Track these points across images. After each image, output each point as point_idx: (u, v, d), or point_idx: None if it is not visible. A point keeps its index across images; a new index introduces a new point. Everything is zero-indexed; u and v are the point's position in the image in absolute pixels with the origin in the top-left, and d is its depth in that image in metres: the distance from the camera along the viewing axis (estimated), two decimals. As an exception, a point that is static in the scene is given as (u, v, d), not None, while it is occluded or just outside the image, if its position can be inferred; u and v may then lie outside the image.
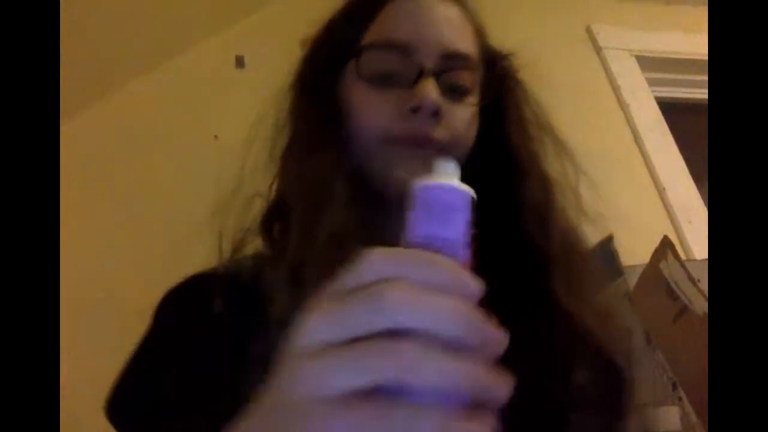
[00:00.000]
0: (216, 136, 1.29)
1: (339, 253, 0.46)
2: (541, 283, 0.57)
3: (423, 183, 0.38)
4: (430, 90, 0.55)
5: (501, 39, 1.69)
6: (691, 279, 0.73)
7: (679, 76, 1.87)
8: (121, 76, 1.29)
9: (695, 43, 1.82)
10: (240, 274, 0.56)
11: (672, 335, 0.74)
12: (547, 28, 1.76)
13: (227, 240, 0.62)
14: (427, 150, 0.54)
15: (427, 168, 0.39)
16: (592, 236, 0.70)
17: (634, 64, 1.77)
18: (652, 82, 1.77)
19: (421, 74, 0.56)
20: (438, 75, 0.57)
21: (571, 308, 0.55)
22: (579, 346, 0.54)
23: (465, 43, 0.61)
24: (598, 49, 1.77)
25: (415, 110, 0.55)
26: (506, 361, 0.32)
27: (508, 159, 0.63)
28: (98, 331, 1.05)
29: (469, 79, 0.61)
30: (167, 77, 1.35)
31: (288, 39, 1.48)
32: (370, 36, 0.60)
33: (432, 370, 0.28)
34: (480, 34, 0.67)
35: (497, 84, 0.65)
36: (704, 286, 0.72)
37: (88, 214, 1.16)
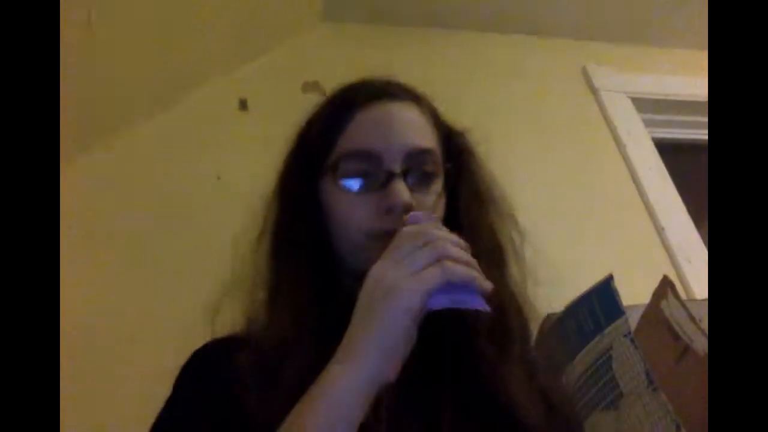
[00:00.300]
0: (219, 177, 1.31)
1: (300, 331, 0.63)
2: (474, 348, 0.67)
3: (409, 215, 0.63)
4: (400, 191, 0.65)
5: (500, 82, 1.73)
6: (692, 318, 0.73)
7: (674, 117, 1.89)
8: (125, 120, 1.31)
9: (689, 85, 1.85)
10: (253, 342, 0.65)
11: (675, 376, 0.73)
12: (544, 70, 1.80)
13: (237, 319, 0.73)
14: None
15: None
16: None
17: (629, 105, 1.79)
18: (647, 123, 1.79)
19: (390, 177, 0.66)
20: (405, 174, 0.67)
21: (502, 374, 0.65)
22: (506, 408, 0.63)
23: (425, 139, 0.71)
24: (593, 91, 1.80)
25: (389, 210, 0.65)
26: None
27: (459, 225, 0.70)
28: (100, 377, 1.04)
29: (432, 166, 0.71)
30: (172, 119, 1.37)
31: (290, 83, 1.53)
32: (343, 146, 0.70)
33: (456, 250, 0.56)
34: (437, 121, 0.77)
35: (454, 159, 0.75)
36: (705, 325, 0.71)
37: (89, 257, 1.16)
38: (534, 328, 0.76)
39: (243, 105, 1.45)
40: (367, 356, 0.53)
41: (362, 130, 0.70)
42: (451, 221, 0.70)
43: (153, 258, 1.19)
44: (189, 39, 1.33)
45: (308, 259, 0.70)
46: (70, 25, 1.06)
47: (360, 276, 0.63)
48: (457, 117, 1.60)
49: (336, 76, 1.56)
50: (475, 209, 0.74)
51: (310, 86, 1.53)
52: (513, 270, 0.74)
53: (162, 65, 1.31)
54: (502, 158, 1.54)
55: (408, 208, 0.65)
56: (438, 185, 0.71)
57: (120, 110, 1.29)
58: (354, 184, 0.68)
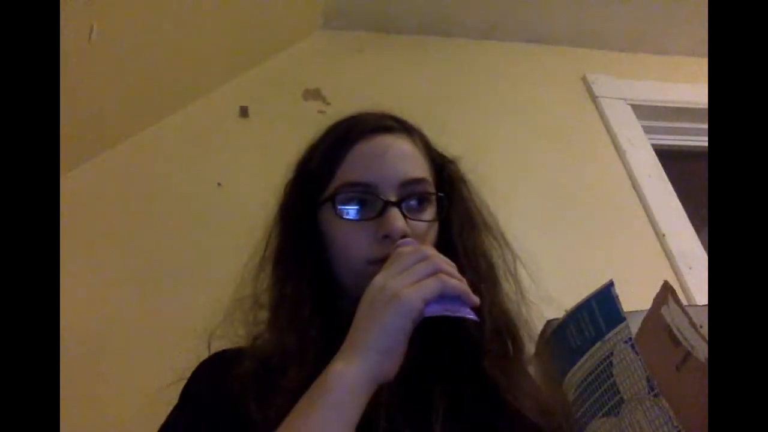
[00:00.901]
0: (219, 184, 1.31)
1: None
2: (476, 363, 0.71)
3: (399, 240, 0.69)
4: (396, 219, 0.70)
5: (499, 90, 1.74)
6: (692, 325, 0.73)
7: (674, 124, 1.90)
8: (126, 127, 1.31)
9: (689, 92, 1.86)
10: (257, 353, 0.69)
11: (676, 382, 0.73)
12: (544, 78, 1.81)
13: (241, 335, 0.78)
14: None
15: None
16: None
17: (629, 112, 1.80)
18: (647, 130, 1.80)
19: (386, 206, 0.71)
20: (400, 203, 0.72)
21: (504, 387, 0.69)
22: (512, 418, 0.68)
23: (418, 169, 0.76)
24: (593, 98, 1.80)
25: (386, 237, 0.70)
26: None
27: (453, 249, 0.76)
28: (99, 380, 1.04)
29: (425, 194, 0.75)
30: (173, 127, 1.37)
31: (290, 90, 1.53)
32: (341, 178, 0.74)
33: (448, 267, 0.63)
34: (429, 151, 0.83)
35: (447, 187, 0.81)
36: (706, 331, 0.71)
37: (89, 263, 1.16)
38: (531, 342, 0.78)
39: (244, 112, 1.45)
40: (368, 355, 0.58)
41: (359, 163, 0.74)
42: (446, 245, 0.75)
43: (153, 264, 1.19)
44: (190, 47, 1.33)
45: (309, 281, 0.74)
46: (72, 34, 1.07)
47: (358, 299, 0.68)
48: (456, 125, 1.62)
49: (336, 84, 1.58)
50: (468, 233, 0.79)
51: (311, 94, 1.54)
52: (506, 288, 0.79)
53: (163, 73, 1.32)
54: (502, 166, 1.55)
55: (404, 235, 0.69)
56: (431, 212, 0.76)
57: (121, 118, 1.29)
58: (352, 213, 0.73)
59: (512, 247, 0.82)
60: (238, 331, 0.78)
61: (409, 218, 0.72)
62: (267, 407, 0.60)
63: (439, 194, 0.77)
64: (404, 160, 0.76)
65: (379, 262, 0.67)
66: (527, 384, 0.74)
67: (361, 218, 0.72)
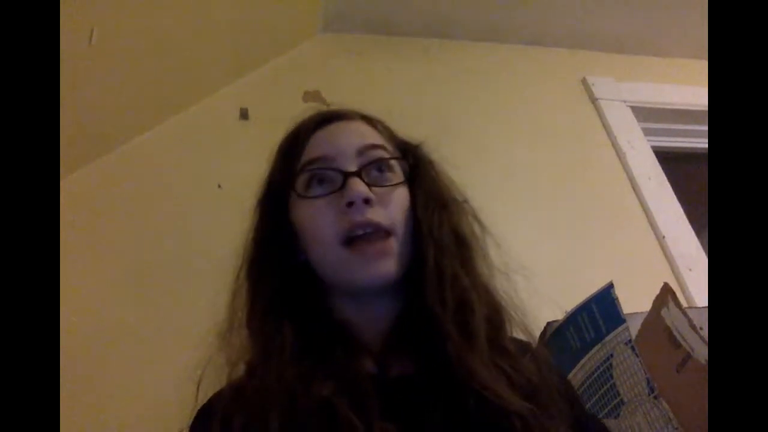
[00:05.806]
0: (219, 185, 1.31)
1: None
2: (439, 342, 0.66)
3: None
4: (357, 185, 0.69)
5: (499, 92, 1.74)
6: (692, 327, 0.73)
7: (674, 126, 1.90)
8: (127, 129, 1.31)
9: (689, 94, 1.86)
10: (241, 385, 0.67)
11: (676, 384, 0.73)
12: (543, 80, 1.81)
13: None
14: (366, 228, 0.68)
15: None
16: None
17: (629, 114, 1.80)
18: (647, 132, 1.80)
19: (346, 176, 0.70)
20: (360, 172, 0.71)
21: (467, 360, 0.64)
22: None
23: (374, 138, 0.76)
24: (593, 100, 1.80)
25: (350, 204, 0.68)
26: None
27: (418, 226, 0.73)
28: (98, 383, 1.04)
29: (384, 159, 0.74)
30: (173, 129, 1.37)
31: (290, 93, 1.53)
32: (300, 164, 0.74)
33: None
34: (389, 133, 0.81)
35: (412, 168, 0.79)
36: (706, 333, 0.71)
37: (89, 265, 1.16)
38: (508, 320, 0.73)
39: (244, 114, 1.45)
40: None
41: (315, 146, 0.74)
42: (412, 223, 0.73)
43: (153, 266, 1.19)
44: (191, 50, 1.34)
45: (280, 287, 0.72)
46: (72, 38, 1.07)
47: (346, 293, 0.70)
48: (456, 127, 1.61)
49: (336, 86, 1.58)
50: (432, 210, 0.76)
51: (310, 96, 1.54)
52: (479, 263, 0.75)
53: (164, 76, 1.32)
54: (502, 168, 1.55)
55: (366, 200, 0.68)
56: (397, 177, 0.74)
57: (122, 120, 1.30)
58: (315, 190, 0.72)
59: (483, 223, 0.79)
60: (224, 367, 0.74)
61: (374, 186, 0.71)
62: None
63: (398, 157, 0.76)
64: (359, 133, 0.76)
65: (352, 241, 0.67)
66: (505, 361, 0.67)
67: (325, 193, 0.71)
